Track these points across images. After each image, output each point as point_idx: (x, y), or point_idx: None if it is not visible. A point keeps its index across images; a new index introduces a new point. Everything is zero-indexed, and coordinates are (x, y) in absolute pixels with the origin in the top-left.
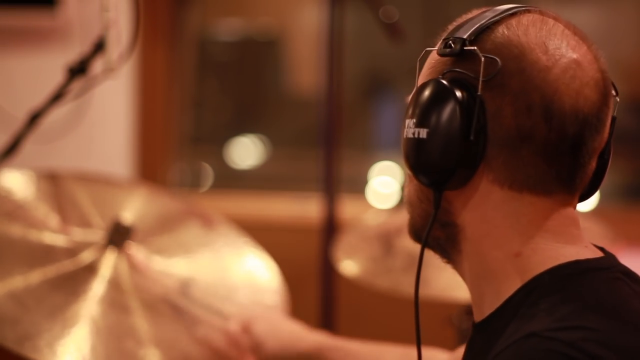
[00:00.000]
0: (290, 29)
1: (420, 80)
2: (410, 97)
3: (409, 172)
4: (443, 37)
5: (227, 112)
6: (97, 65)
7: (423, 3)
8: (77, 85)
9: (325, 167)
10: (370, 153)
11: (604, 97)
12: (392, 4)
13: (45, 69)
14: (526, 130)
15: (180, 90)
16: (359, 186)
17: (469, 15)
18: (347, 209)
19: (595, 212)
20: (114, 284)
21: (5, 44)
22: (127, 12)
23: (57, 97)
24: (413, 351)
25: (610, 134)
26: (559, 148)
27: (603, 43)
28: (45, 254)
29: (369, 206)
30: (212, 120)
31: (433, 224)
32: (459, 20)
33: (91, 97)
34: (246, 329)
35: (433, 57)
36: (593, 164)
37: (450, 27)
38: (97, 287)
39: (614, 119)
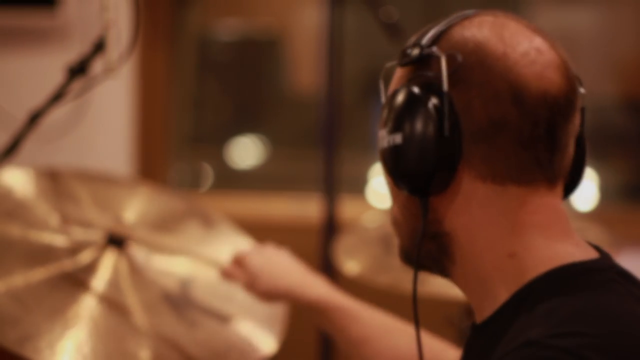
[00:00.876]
0: (290, 29)
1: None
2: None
3: (390, 184)
4: (401, 51)
5: (227, 112)
6: (97, 65)
7: (423, 3)
8: (77, 85)
9: (325, 167)
10: (370, 153)
11: (569, 81)
12: (392, 4)
13: (45, 69)
14: (498, 119)
15: (180, 90)
16: (359, 186)
17: (423, 29)
18: (347, 209)
19: (595, 212)
20: (114, 284)
21: (5, 44)
22: (127, 12)
23: (57, 97)
24: (424, 335)
25: (582, 125)
26: (533, 133)
27: (602, 43)
28: (45, 254)
29: (369, 206)
30: (212, 120)
31: (424, 235)
32: (414, 36)
33: (91, 97)
34: (240, 262)
35: (397, 72)
36: (570, 150)
37: (406, 43)
38: (98, 287)
39: (583, 109)
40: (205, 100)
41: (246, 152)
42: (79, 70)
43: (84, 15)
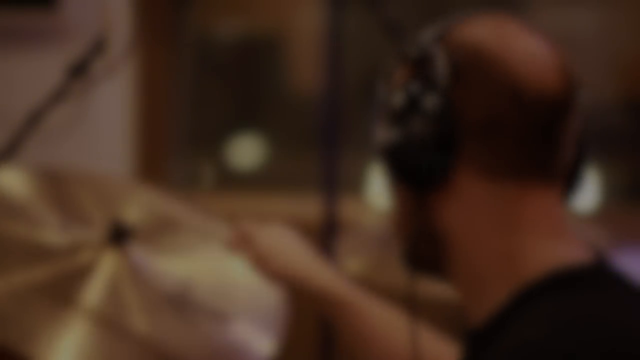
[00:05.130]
0: (290, 29)
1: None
2: (378, 108)
3: (390, 181)
4: (401, 51)
5: (227, 112)
6: (97, 65)
7: (423, 3)
8: (77, 85)
9: (325, 167)
10: (370, 153)
11: (568, 83)
12: (392, 4)
13: (44, 69)
14: (496, 119)
15: (180, 90)
16: (359, 186)
17: (425, 29)
18: (347, 209)
19: (595, 212)
20: (114, 284)
21: (5, 44)
22: (127, 12)
23: (57, 97)
24: (427, 333)
25: (582, 125)
26: (531, 133)
27: (602, 43)
28: (45, 254)
29: (369, 206)
30: (212, 121)
31: (419, 227)
32: (416, 35)
33: (91, 97)
34: (247, 239)
35: (398, 70)
36: (569, 151)
37: (408, 43)
38: (97, 287)
39: (581, 110)
40: (205, 100)
41: (246, 151)
42: (79, 70)
43: (84, 15)
